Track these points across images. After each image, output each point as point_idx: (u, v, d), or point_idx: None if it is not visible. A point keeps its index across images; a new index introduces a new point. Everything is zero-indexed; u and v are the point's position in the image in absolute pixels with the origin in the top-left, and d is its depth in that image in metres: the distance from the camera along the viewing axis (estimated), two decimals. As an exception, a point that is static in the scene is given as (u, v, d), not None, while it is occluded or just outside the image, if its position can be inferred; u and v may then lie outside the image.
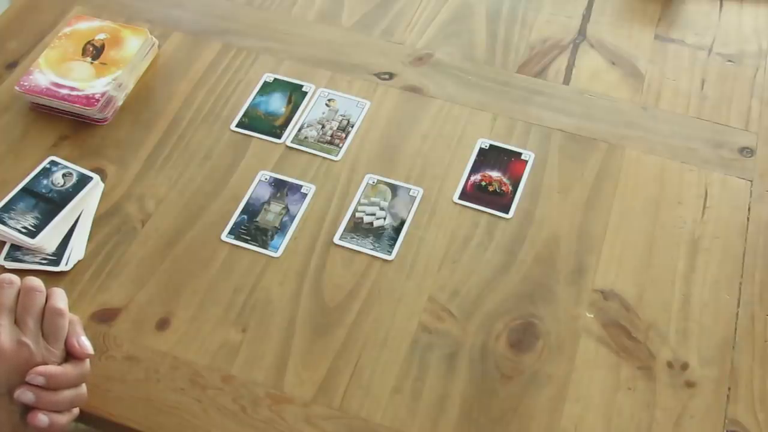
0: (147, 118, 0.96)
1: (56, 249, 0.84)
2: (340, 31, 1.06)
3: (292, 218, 0.87)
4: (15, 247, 0.84)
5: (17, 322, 0.68)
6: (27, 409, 0.67)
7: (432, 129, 0.95)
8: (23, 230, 0.83)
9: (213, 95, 0.99)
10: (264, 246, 0.85)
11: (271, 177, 0.91)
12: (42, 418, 0.66)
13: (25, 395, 0.66)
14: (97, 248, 0.85)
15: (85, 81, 0.95)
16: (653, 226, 0.87)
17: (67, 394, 0.68)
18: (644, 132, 0.95)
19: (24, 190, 0.87)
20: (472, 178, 0.91)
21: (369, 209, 0.88)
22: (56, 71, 0.96)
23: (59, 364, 0.69)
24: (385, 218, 0.87)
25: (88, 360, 0.71)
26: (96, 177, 0.89)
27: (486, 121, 0.96)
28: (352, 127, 0.95)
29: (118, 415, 0.74)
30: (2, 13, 1.08)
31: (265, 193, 0.89)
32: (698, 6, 1.10)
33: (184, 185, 0.90)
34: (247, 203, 0.88)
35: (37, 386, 0.66)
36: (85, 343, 0.70)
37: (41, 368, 0.66)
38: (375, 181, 0.90)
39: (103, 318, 0.80)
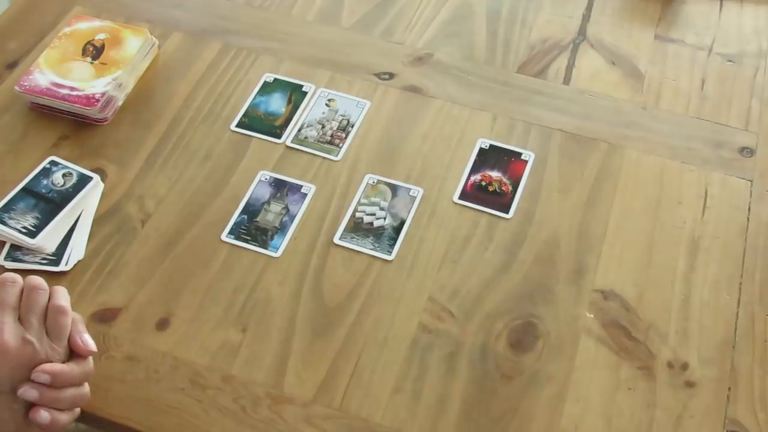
0: (147, 118, 0.96)
1: (56, 249, 0.84)
2: (340, 31, 1.06)
3: (292, 218, 0.87)
4: (15, 247, 0.84)
5: (21, 320, 0.68)
6: (30, 407, 0.67)
7: (432, 129, 0.95)
8: (23, 230, 0.83)
9: (213, 95, 0.99)
10: (264, 246, 0.85)
11: (271, 177, 0.91)
12: (43, 415, 0.66)
13: (29, 393, 0.66)
14: (97, 248, 0.85)
15: (85, 81, 0.95)
16: (653, 226, 0.87)
17: (70, 392, 0.68)
18: (644, 132, 0.95)
19: (24, 190, 0.87)
20: (472, 178, 0.91)
21: (369, 209, 0.88)
22: (56, 71, 0.95)
23: (63, 361, 0.69)
24: (385, 218, 0.87)
25: (91, 358, 0.71)
26: (96, 177, 0.89)
27: (486, 121, 0.96)
28: (352, 127, 0.95)
29: (118, 415, 0.74)
30: (2, 13, 1.08)
31: (265, 193, 0.89)
32: (698, 6, 1.10)
33: (184, 185, 0.90)
34: (247, 203, 0.88)
35: (41, 384, 0.66)
36: (88, 341, 0.71)
37: (46, 366, 0.67)
38: (375, 181, 0.90)
39: (103, 318, 0.80)
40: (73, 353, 0.70)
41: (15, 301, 0.69)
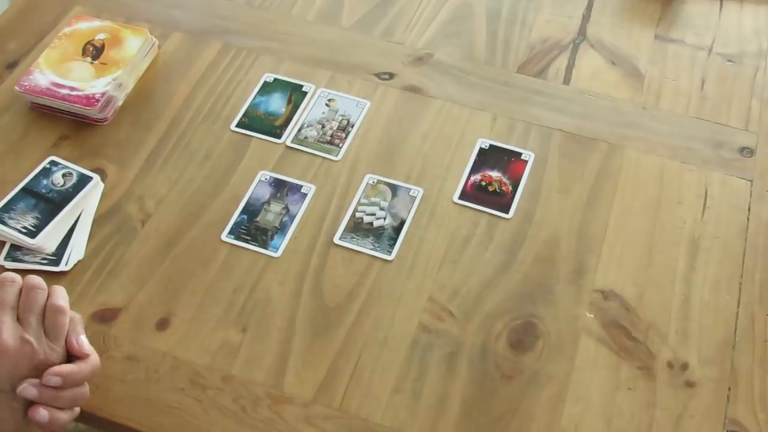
0: (147, 118, 0.96)
1: (56, 249, 0.84)
2: (340, 31, 1.06)
3: (292, 218, 0.87)
4: (15, 247, 0.84)
5: (19, 319, 0.68)
6: (29, 405, 0.67)
7: (432, 129, 0.95)
8: (23, 230, 0.83)
9: (213, 95, 0.99)
10: (264, 246, 0.85)
11: (271, 177, 0.91)
12: (42, 413, 0.66)
13: (28, 391, 0.66)
14: (97, 248, 0.85)
15: (85, 81, 0.95)
16: (653, 226, 0.87)
17: (69, 390, 0.68)
18: (644, 132, 0.95)
19: (24, 190, 0.87)
20: (472, 178, 0.91)
21: (369, 209, 0.88)
22: (56, 71, 0.95)
23: (61, 360, 0.69)
24: (385, 218, 0.87)
25: (97, 356, 0.71)
26: (96, 177, 0.89)
27: (486, 121, 0.96)
28: (352, 127, 0.95)
29: (118, 415, 0.74)
30: (2, 13, 1.08)
31: (265, 193, 0.89)
32: (698, 6, 1.10)
33: (184, 185, 0.90)
34: (247, 203, 0.88)
35: (41, 383, 0.66)
36: (83, 342, 0.70)
37: (57, 369, 0.67)
38: (375, 181, 0.90)
39: (103, 318, 0.80)
40: (69, 353, 0.70)
41: (14, 300, 0.69)
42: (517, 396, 0.75)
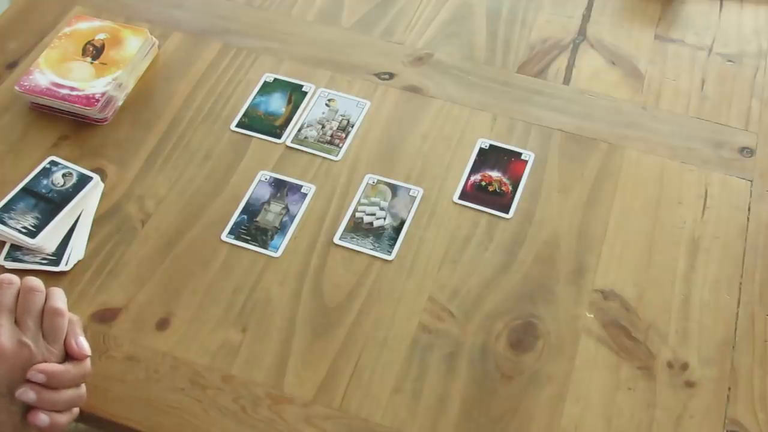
0: (147, 118, 0.96)
1: (56, 249, 0.84)
2: (340, 31, 1.06)
3: (292, 218, 0.87)
4: (15, 247, 0.84)
5: (17, 322, 0.68)
6: (27, 409, 0.67)
7: (432, 129, 0.95)
8: (23, 230, 0.83)
9: (213, 95, 0.99)
10: (264, 246, 0.85)
11: (271, 177, 0.91)
12: (42, 417, 0.66)
13: (27, 394, 0.66)
14: (97, 248, 0.85)
15: (85, 81, 0.95)
16: (653, 226, 0.87)
17: (67, 393, 0.68)
18: (644, 132, 0.95)
19: (24, 190, 0.87)
20: (472, 178, 0.91)
21: (369, 209, 0.88)
22: (56, 71, 0.95)
23: (59, 363, 0.68)
24: (385, 218, 0.87)
25: (88, 360, 0.71)
26: (96, 177, 0.89)
27: (486, 121, 0.96)
28: (352, 127, 0.95)
29: (118, 415, 0.74)
30: (2, 13, 1.09)
31: (265, 193, 0.89)
32: (698, 6, 1.10)
33: (184, 185, 0.90)
34: (247, 203, 0.88)
35: (38, 385, 0.66)
36: (83, 344, 0.70)
37: (42, 366, 0.66)
38: (375, 181, 0.90)
39: (103, 318, 0.80)
40: (68, 355, 0.70)
41: (11, 303, 0.68)
42: (517, 396, 0.75)
